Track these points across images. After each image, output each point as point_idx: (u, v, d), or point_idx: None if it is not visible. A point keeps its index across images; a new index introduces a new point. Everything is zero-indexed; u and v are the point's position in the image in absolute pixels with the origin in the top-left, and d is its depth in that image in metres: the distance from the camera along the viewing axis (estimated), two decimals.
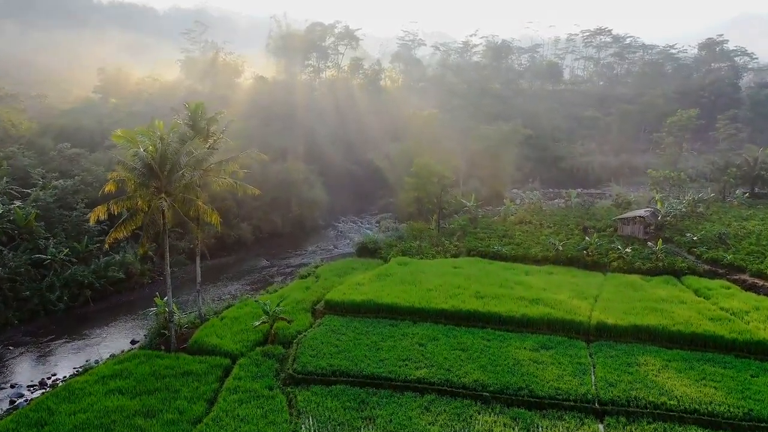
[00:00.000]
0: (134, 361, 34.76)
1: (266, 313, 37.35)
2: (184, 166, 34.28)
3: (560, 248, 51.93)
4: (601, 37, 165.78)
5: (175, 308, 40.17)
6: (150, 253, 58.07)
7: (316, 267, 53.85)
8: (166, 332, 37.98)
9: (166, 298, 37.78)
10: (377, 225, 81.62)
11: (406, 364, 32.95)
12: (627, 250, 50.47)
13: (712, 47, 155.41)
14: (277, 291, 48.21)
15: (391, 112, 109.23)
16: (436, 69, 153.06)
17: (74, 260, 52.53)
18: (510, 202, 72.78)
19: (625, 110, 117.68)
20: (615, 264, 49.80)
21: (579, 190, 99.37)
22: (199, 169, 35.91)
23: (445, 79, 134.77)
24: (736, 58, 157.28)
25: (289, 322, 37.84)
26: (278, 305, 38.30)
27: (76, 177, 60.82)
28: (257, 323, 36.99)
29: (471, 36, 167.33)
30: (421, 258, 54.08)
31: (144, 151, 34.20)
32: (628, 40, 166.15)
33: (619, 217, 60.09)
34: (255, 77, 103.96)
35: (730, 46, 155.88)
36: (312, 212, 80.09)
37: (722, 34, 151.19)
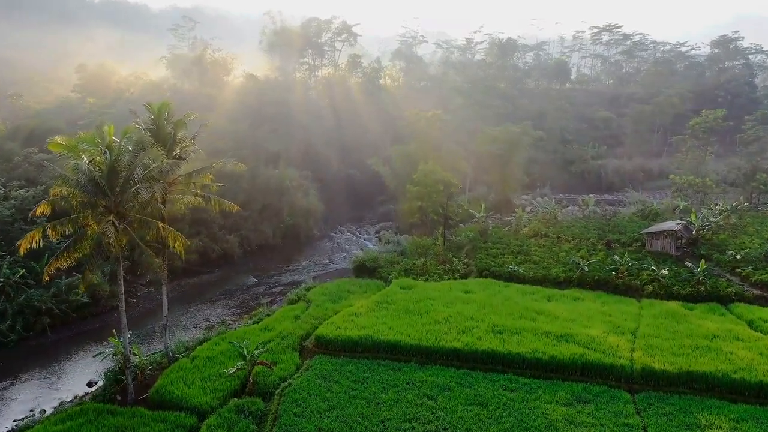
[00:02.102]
0: (80, 419, 28.34)
1: (243, 357, 30.97)
2: (140, 181, 27.83)
3: (586, 269, 45.52)
4: (610, 34, 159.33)
5: (135, 349, 33.86)
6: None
7: (308, 289, 47.40)
8: (124, 378, 31.62)
9: (123, 338, 31.36)
10: (377, 235, 75.23)
11: (413, 428, 26.62)
12: (663, 271, 44.02)
13: (725, 44, 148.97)
14: (261, 320, 41.80)
15: (391, 113, 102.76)
16: (438, 67, 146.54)
17: (32, 282, 46.03)
18: (522, 211, 66.34)
19: (639, 111, 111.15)
20: (649, 288, 43.38)
21: (593, 196, 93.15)
22: (161, 183, 29.44)
23: (447, 77, 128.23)
24: (749, 56, 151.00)
25: (270, 367, 31.45)
26: (257, 348, 31.89)
27: (39, 186, 54.32)
28: (232, 370, 30.61)
29: (475, 32, 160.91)
30: (427, 279, 47.67)
31: (89, 162, 27.77)
32: (636, 38, 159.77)
33: (648, 230, 53.69)
34: (245, 75, 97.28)
35: (744, 43, 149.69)
36: (306, 221, 73.64)
37: (737, 31, 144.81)
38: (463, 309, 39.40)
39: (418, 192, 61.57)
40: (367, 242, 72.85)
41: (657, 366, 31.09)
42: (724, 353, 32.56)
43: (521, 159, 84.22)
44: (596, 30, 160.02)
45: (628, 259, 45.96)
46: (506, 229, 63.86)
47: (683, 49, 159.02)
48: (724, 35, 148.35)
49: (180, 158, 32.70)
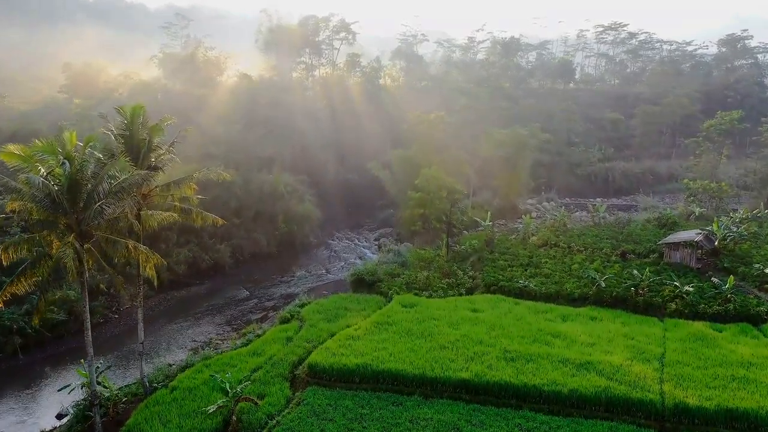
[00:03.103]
0: None
1: (225, 393, 27.53)
2: (105, 195, 24.38)
3: (603, 284, 42.02)
4: (615, 33, 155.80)
5: (106, 381, 30.41)
6: (102, 285, 48.27)
7: (301, 306, 43.87)
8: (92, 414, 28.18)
9: (90, 371, 27.90)
10: (376, 243, 71.80)
11: None
12: (688, 288, 40.52)
13: (732, 43, 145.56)
14: (250, 342, 38.31)
15: (391, 113, 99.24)
16: (440, 67, 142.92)
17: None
18: (529, 218, 62.84)
19: (648, 112, 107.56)
20: (672, 306, 39.86)
21: (600, 200, 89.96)
22: (131, 197, 25.98)
23: (449, 77, 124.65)
24: (758, 56, 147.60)
25: (255, 403, 27.97)
26: (242, 382, 28.45)
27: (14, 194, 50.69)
28: (212, 408, 27.15)
29: (477, 31, 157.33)
30: (430, 295, 44.17)
31: (48, 174, 24.36)
32: (642, 36, 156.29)
33: (666, 241, 50.22)
34: (239, 75, 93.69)
35: (752, 42, 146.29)
36: (302, 229, 70.10)
37: (747, 30, 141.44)
38: (470, 331, 35.91)
39: (420, 198, 58.18)
40: (366, 250, 69.41)
41: (691, 402, 27.61)
42: (765, 385, 29.10)
43: (528, 162, 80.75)
44: (601, 29, 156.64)
45: (649, 273, 42.44)
46: (513, 237, 60.40)
47: (689, 48, 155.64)
48: (732, 34, 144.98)
49: (155, 168, 29.21)
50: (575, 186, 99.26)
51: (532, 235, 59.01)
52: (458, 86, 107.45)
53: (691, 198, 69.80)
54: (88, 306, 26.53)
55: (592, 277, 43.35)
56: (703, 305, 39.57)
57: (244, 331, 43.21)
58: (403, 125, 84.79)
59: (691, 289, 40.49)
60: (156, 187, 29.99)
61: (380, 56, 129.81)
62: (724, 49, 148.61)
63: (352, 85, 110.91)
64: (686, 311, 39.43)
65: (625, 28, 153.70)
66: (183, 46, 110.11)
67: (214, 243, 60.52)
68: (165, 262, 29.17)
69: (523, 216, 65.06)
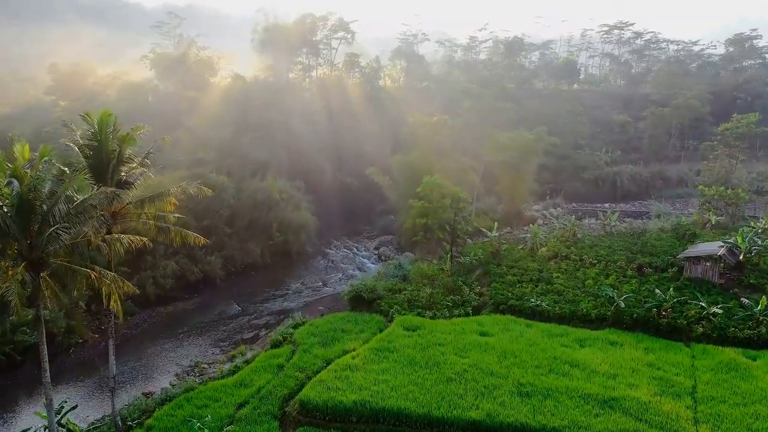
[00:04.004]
0: None
1: None
2: (62, 218, 21.05)
3: (622, 305, 38.66)
4: (619, 32, 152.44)
5: (70, 423, 27.06)
6: (81, 303, 44.98)
7: (295, 327, 40.58)
8: None
9: (49, 414, 24.59)
10: (376, 252, 68.51)
11: None
12: (715, 309, 37.20)
13: (740, 43, 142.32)
14: (238, 369, 35.09)
15: (391, 115, 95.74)
16: (441, 67, 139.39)
17: None
18: (537, 227, 59.52)
19: (658, 114, 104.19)
20: (699, 329, 36.52)
21: (609, 205, 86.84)
22: (96, 218, 22.66)
23: (451, 77, 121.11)
24: (766, 56, 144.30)
25: None
26: (224, 426, 25.13)
27: None
28: None
29: (480, 30, 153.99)
30: (434, 315, 40.84)
31: None
32: (647, 36, 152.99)
33: (687, 254, 46.89)
34: (233, 76, 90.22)
35: (760, 42, 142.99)
36: (298, 237, 66.48)
37: (756, 29, 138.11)
38: (480, 359, 32.64)
39: (421, 207, 54.81)
40: (365, 260, 66.01)
41: None
42: None
43: (533, 167, 77.44)
44: (606, 28, 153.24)
45: (672, 293, 39.07)
46: (521, 247, 57.03)
47: (696, 48, 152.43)
48: (739, 33, 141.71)
49: (126, 183, 25.87)
50: (582, 191, 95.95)
51: (541, 245, 55.65)
52: (461, 87, 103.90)
53: (706, 205, 66.49)
54: (45, 343, 23.22)
55: (609, 296, 40.01)
56: (732, 329, 36.22)
57: (232, 353, 40.00)
58: (403, 128, 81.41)
59: (719, 310, 37.16)
60: (129, 203, 26.67)
61: (380, 57, 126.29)
62: (731, 49, 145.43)
63: (350, 85, 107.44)
64: (714, 335, 36.12)
65: (630, 28, 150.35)
66: (175, 46, 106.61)
67: (204, 254, 57.04)
68: (137, 291, 25.87)
69: (530, 225, 61.73)
